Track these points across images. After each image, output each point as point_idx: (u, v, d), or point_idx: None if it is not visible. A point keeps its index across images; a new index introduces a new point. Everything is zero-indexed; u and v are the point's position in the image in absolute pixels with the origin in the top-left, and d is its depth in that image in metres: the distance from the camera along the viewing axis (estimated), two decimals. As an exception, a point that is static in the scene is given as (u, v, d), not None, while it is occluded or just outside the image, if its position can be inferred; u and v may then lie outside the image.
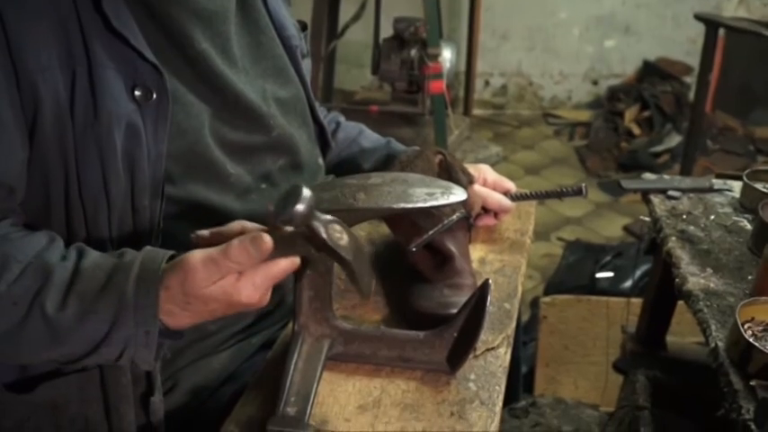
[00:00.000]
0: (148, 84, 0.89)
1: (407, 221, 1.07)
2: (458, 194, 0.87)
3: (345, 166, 1.27)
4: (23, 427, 0.96)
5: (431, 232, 1.05)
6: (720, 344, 1.01)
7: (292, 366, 0.87)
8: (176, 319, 0.83)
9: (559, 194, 1.26)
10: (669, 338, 1.69)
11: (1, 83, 0.82)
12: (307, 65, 1.19)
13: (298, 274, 0.87)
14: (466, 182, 1.14)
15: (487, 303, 0.87)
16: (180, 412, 1.02)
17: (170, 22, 0.95)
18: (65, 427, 0.96)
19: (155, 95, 0.89)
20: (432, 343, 0.92)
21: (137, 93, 0.88)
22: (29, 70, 0.82)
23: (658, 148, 3.92)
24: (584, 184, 1.25)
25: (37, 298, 0.81)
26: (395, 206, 0.84)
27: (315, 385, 0.85)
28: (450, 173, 1.13)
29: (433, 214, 1.06)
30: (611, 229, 3.32)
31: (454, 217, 1.07)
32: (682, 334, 1.78)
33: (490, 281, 0.89)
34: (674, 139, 3.97)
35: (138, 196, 0.91)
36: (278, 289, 0.89)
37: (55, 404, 0.95)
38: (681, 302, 1.58)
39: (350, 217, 0.89)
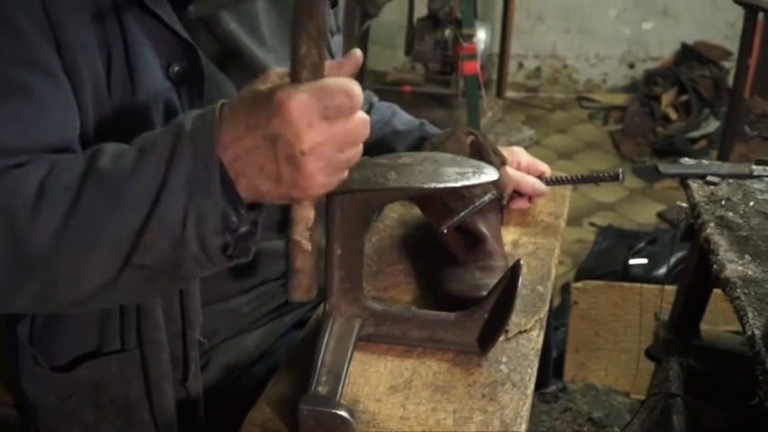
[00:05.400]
0: (184, 61, 0.88)
1: (438, 203, 1.06)
2: (490, 174, 0.86)
3: (378, 147, 1.26)
4: (65, 404, 0.99)
5: (462, 213, 1.04)
6: (757, 332, 0.99)
7: (323, 346, 0.87)
8: (238, 150, 0.71)
9: (595, 179, 1.24)
10: (703, 327, 1.67)
11: (48, 53, 0.80)
12: (337, 42, 1.18)
13: (329, 255, 0.87)
14: (498, 163, 1.12)
15: (518, 284, 0.87)
16: (214, 389, 1.03)
17: None
18: (105, 407, 0.98)
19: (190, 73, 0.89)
20: (462, 324, 0.92)
21: (173, 70, 0.88)
22: (70, 46, 0.82)
23: (695, 134, 3.85)
24: (620, 170, 1.23)
25: (88, 173, 0.73)
26: (426, 186, 0.83)
27: (346, 365, 0.86)
28: (482, 154, 1.12)
29: (464, 195, 1.05)
30: (644, 215, 3.27)
31: (486, 198, 1.06)
32: (714, 323, 1.75)
33: (522, 261, 0.88)
34: (712, 125, 3.90)
35: None
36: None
37: (95, 384, 0.97)
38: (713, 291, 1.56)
39: (381, 197, 0.89)
